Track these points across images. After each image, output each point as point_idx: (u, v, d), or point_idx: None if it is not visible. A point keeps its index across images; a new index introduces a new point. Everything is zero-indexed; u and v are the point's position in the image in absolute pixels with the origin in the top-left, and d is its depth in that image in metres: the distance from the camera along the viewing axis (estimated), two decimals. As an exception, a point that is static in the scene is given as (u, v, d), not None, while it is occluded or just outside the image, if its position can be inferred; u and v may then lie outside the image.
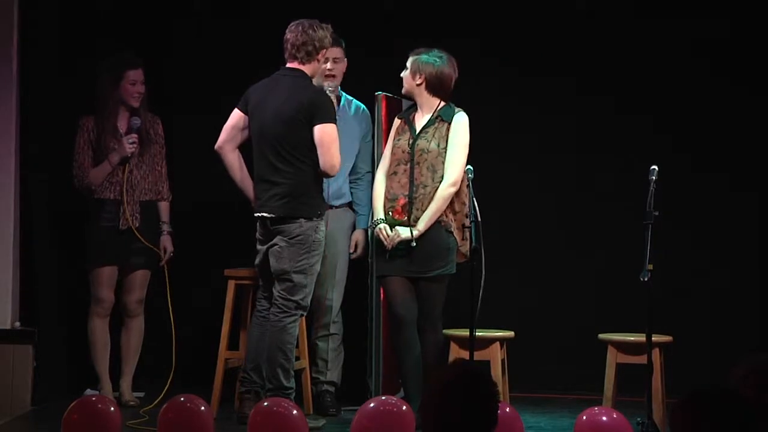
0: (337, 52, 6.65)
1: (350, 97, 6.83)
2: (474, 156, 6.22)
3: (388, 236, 6.21)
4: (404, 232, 6.20)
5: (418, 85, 6.30)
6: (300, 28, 6.17)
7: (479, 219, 5.80)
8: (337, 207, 6.76)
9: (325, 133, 6.07)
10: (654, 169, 5.91)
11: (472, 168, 5.97)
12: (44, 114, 6.90)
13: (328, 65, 6.62)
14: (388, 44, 6.63)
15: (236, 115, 6.29)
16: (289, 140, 6.10)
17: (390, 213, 6.23)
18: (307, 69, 6.20)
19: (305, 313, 6.23)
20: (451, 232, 6.26)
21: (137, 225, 6.70)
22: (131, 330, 6.86)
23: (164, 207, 6.88)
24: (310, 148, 6.09)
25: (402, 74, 6.34)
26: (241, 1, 7.47)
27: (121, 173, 6.69)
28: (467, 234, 6.22)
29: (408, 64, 6.31)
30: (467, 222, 6.12)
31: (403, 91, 6.38)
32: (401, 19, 7.41)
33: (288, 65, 6.22)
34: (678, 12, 7.39)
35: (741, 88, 7.37)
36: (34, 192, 6.88)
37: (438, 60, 6.28)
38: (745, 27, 7.37)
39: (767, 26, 7.35)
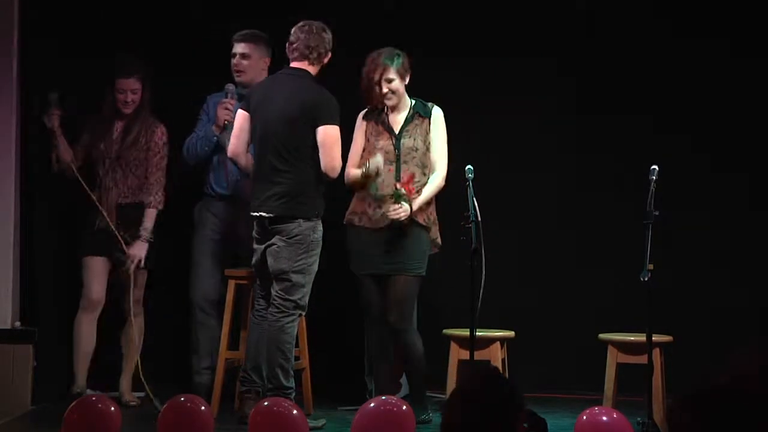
0: (247, 47, 6.77)
1: None
2: (474, 156, 6.22)
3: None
4: (408, 210, 6.22)
5: (406, 85, 6.35)
6: (313, 29, 6.18)
7: (479, 219, 5.80)
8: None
9: (327, 135, 6.08)
10: (654, 169, 5.92)
11: (472, 168, 5.97)
12: (44, 114, 6.89)
13: (235, 60, 6.77)
14: (388, 44, 6.62)
15: (242, 117, 6.28)
16: (290, 140, 6.10)
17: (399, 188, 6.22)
18: (313, 70, 6.21)
19: (304, 313, 6.23)
20: (429, 230, 6.32)
21: (111, 227, 6.65)
22: (131, 331, 6.79)
23: (148, 214, 6.77)
24: (312, 148, 6.09)
25: (392, 86, 6.30)
26: (242, 2, 7.46)
27: (78, 174, 6.66)
28: (437, 225, 6.37)
29: (391, 75, 6.29)
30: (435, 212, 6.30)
31: (395, 101, 6.36)
32: (401, 19, 7.40)
33: (293, 65, 6.22)
34: (678, 11, 7.39)
35: (742, 88, 7.37)
36: (34, 192, 6.87)
37: (399, 55, 6.33)
38: (744, 27, 7.38)
39: (764, 24, 7.36)
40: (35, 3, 6.94)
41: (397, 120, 6.41)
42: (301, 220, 6.10)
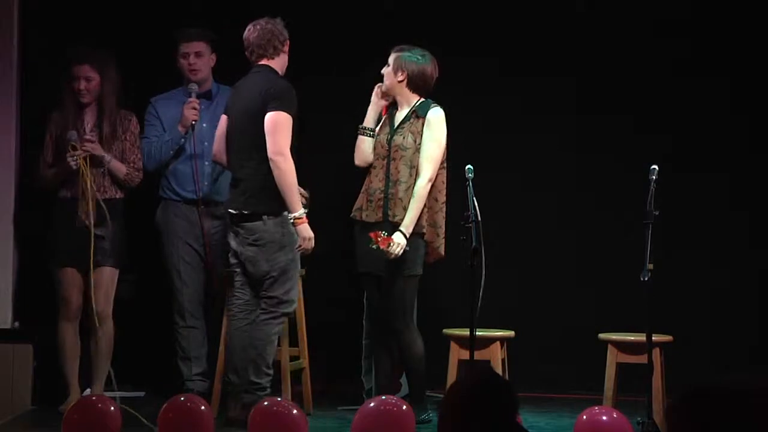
0: (200, 46, 6.77)
1: (226, 87, 6.82)
2: (474, 156, 6.22)
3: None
4: (400, 240, 6.17)
5: (399, 81, 6.35)
6: (258, 27, 6.19)
7: (479, 218, 5.79)
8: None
9: (272, 120, 6.00)
10: (654, 168, 5.92)
11: (472, 168, 5.97)
12: (44, 115, 6.87)
13: (191, 59, 6.76)
14: (388, 44, 6.62)
15: (223, 120, 6.32)
16: (252, 136, 6.07)
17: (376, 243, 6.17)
18: (276, 63, 6.20)
19: (289, 309, 6.15)
20: (423, 234, 6.27)
21: (92, 223, 6.40)
22: (100, 336, 6.53)
23: (120, 165, 6.56)
24: None
25: (383, 71, 6.39)
26: (240, 2, 7.45)
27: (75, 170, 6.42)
28: (441, 232, 6.29)
29: (390, 60, 6.37)
30: (441, 218, 6.25)
31: (384, 88, 6.42)
32: (401, 19, 7.40)
33: (258, 63, 6.23)
34: (678, 10, 7.40)
35: (742, 88, 7.38)
36: (34, 192, 6.86)
37: (420, 58, 6.34)
38: (743, 28, 7.39)
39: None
40: (36, 3, 6.94)
41: (398, 116, 6.41)
42: (265, 217, 6.05)
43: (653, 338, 5.85)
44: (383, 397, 5.69)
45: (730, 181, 7.38)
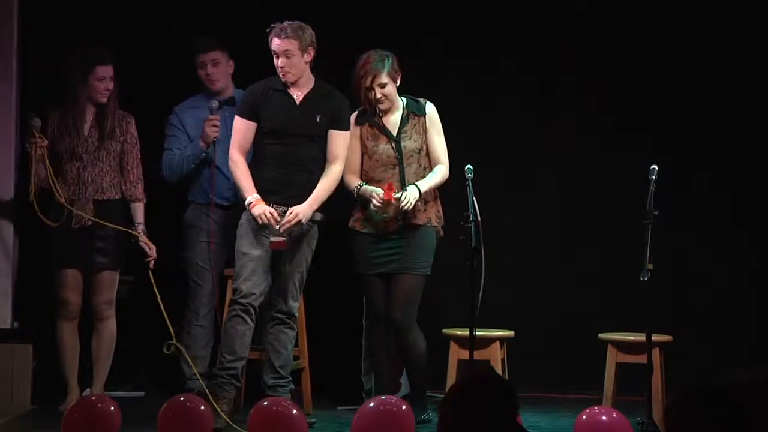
0: (215, 55, 6.80)
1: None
2: (474, 155, 6.23)
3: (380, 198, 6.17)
4: (415, 194, 6.18)
5: (397, 86, 6.32)
6: None
7: (479, 218, 5.79)
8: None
9: None
10: (654, 168, 5.92)
11: (472, 167, 5.97)
12: (44, 115, 6.87)
13: (208, 69, 6.82)
14: (388, 44, 6.62)
15: None
16: None
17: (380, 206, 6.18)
18: None
19: (234, 297, 6.24)
20: (439, 231, 6.31)
21: (89, 224, 6.41)
22: (101, 334, 6.55)
23: (138, 208, 6.58)
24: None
25: (379, 95, 6.24)
26: (243, 3, 7.46)
27: (70, 169, 6.42)
28: (442, 217, 6.36)
29: (383, 80, 6.22)
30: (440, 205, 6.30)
31: (388, 105, 6.31)
32: (400, 19, 7.40)
33: None
34: (678, 10, 7.40)
35: (741, 88, 7.38)
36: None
37: (390, 56, 6.28)
38: (745, 30, 7.39)
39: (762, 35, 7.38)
40: (36, 2, 6.95)
41: (392, 121, 6.35)
42: None
43: (653, 338, 5.86)
44: (383, 397, 5.69)
45: (730, 181, 7.38)
